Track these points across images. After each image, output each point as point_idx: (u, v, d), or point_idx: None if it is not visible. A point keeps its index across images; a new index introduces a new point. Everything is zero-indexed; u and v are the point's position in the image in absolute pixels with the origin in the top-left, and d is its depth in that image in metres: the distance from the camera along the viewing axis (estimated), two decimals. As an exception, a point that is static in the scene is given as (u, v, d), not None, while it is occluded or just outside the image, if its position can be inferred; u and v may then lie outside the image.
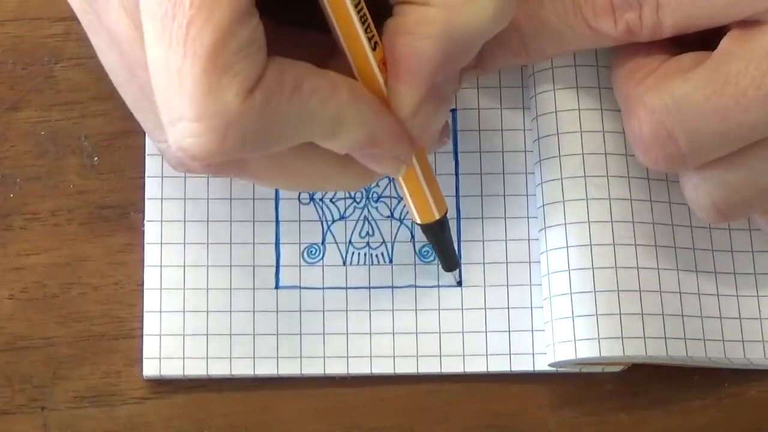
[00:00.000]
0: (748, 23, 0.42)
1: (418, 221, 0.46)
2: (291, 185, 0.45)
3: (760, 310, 0.49)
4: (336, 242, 0.49)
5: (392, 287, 0.49)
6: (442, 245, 0.47)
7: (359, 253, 0.49)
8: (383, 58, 0.40)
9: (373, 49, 0.40)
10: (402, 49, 0.39)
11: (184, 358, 0.48)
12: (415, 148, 0.42)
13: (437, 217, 0.45)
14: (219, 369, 0.48)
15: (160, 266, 0.49)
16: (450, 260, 0.48)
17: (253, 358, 0.48)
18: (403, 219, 0.50)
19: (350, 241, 0.49)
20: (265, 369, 0.48)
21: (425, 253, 0.49)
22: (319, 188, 0.48)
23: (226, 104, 0.35)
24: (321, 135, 0.39)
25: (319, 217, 0.50)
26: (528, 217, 0.50)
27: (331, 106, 0.38)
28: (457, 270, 0.49)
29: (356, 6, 0.39)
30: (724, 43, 0.42)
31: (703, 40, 0.44)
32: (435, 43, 0.39)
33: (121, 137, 0.50)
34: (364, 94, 0.39)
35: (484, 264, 0.49)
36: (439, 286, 0.49)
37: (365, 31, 0.39)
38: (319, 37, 0.41)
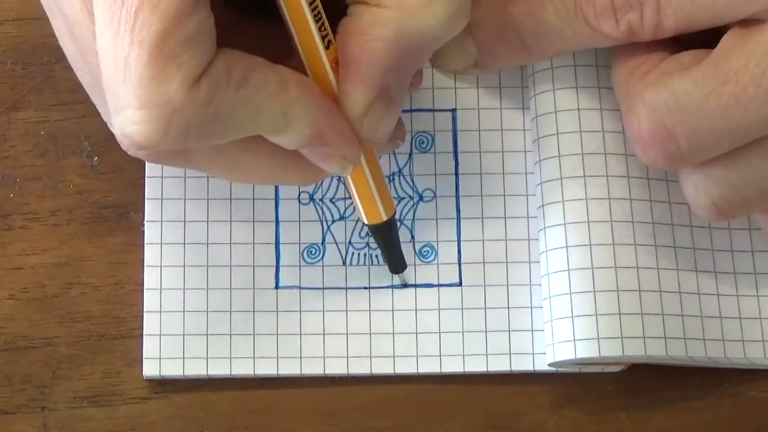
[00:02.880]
0: (748, 22, 0.42)
1: (366, 222, 0.46)
2: (238, 178, 0.45)
3: (760, 310, 0.49)
4: (336, 242, 0.49)
5: (392, 287, 0.49)
6: (389, 247, 0.47)
7: (359, 253, 0.49)
8: (336, 57, 0.40)
9: (327, 47, 0.40)
10: (353, 49, 0.39)
11: (184, 358, 0.48)
12: (363, 149, 0.42)
13: (384, 218, 0.45)
14: (219, 369, 0.48)
15: (160, 266, 0.49)
16: (396, 262, 0.48)
17: (253, 358, 0.48)
18: (403, 219, 0.50)
19: (350, 241, 0.49)
20: (265, 369, 0.48)
21: (425, 253, 0.49)
22: (266, 182, 0.48)
23: (170, 94, 0.36)
24: (268, 129, 0.39)
25: (319, 217, 0.50)
26: (528, 217, 0.50)
27: (279, 101, 0.38)
28: (404, 272, 0.49)
29: (311, 4, 0.39)
30: (724, 41, 0.42)
31: (704, 38, 0.44)
32: (386, 45, 0.39)
33: (121, 137, 0.50)
34: (314, 92, 0.40)
35: (484, 264, 0.49)
36: (439, 286, 0.49)
37: (319, 29, 0.39)
38: (285, 32, 0.41)
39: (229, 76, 0.37)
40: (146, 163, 0.49)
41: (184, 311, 0.48)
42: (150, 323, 0.48)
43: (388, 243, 0.47)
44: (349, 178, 0.44)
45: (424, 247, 0.49)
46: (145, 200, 0.49)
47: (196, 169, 0.43)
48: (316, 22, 0.39)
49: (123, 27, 0.35)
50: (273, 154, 0.41)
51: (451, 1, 0.39)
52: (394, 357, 0.48)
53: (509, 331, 0.49)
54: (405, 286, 0.49)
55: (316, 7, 0.39)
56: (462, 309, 0.49)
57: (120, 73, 0.36)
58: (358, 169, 0.43)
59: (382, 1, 0.39)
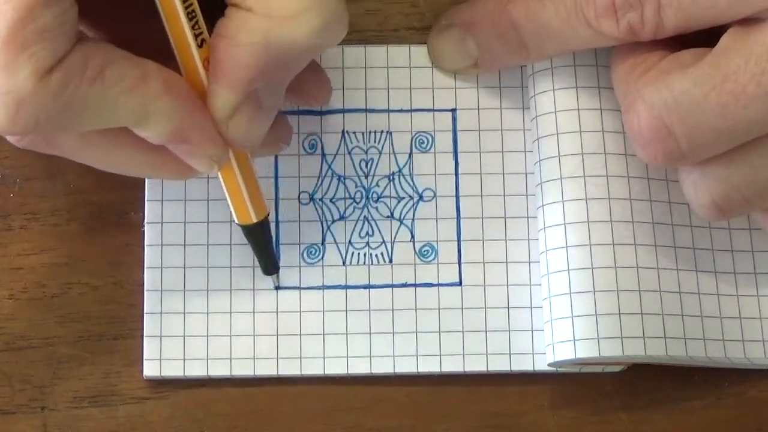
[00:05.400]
0: (748, 21, 0.42)
1: (236, 222, 0.46)
2: (108, 167, 0.45)
3: (760, 310, 0.49)
4: (336, 242, 0.49)
5: (392, 286, 0.49)
6: (259, 248, 0.47)
7: (359, 253, 0.49)
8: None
9: (200, 46, 0.40)
10: (221, 52, 0.39)
11: (184, 359, 0.48)
12: (229, 150, 0.42)
13: (254, 220, 0.46)
14: (219, 370, 0.48)
15: (161, 268, 0.49)
16: (268, 264, 0.48)
17: (253, 358, 0.48)
18: (403, 219, 0.50)
19: (350, 241, 0.49)
20: (265, 369, 0.48)
21: (425, 253, 0.49)
22: (137, 174, 0.47)
23: (19, 83, 0.36)
24: (127, 123, 0.39)
25: (319, 218, 0.50)
26: (528, 217, 0.50)
27: (136, 95, 0.38)
28: (276, 275, 0.49)
29: (184, 2, 0.39)
30: (724, 39, 0.42)
31: (704, 36, 0.44)
32: (253, 52, 0.39)
33: (121, 137, 0.50)
34: (180, 89, 0.40)
35: (484, 264, 0.49)
36: (439, 285, 0.49)
37: (192, 27, 0.40)
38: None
39: (85, 69, 0.37)
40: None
41: (184, 312, 0.48)
42: (150, 325, 0.48)
43: (258, 244, 0.47)
44: (220, 176, 0.44)
45: (424, 246, 0.49)
46: (146, 201, 0.49)
47: (66, 156, 0.43)
48: (189, 20, 0.40)
49: None
50: (141, 147, 0.41)
51: (322, 14, 0.39)
52: (393, 357, 0.48)
53: (509, 331, 0.49)
54: (278, 288, 0.49)
55: (191, 5, 0.39)
56: (462, 309, 0.49)
57: None
58: (227, 169, 0.43)
59: (252, 5, 0.39)
